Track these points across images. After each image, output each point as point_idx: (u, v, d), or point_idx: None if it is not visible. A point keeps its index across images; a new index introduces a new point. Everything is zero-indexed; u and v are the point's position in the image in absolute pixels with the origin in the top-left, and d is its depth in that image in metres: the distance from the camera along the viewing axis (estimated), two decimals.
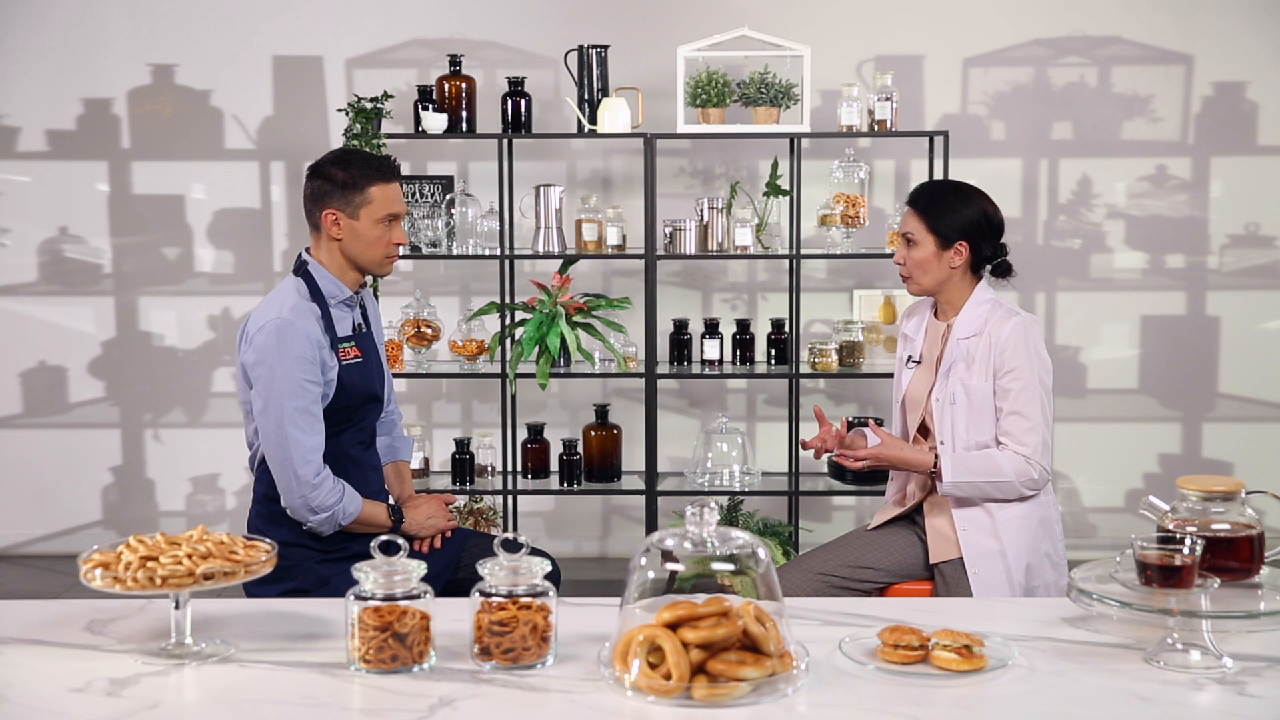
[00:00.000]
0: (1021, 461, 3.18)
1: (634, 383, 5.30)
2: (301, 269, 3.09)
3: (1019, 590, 3.18)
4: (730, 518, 4.90)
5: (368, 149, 4.64)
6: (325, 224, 3.05)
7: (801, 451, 5.09)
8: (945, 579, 3.23)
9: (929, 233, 3.24)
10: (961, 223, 3.23)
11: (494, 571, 2.15)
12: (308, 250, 3.14)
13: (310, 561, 3.08)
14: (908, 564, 3.29)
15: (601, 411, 4.87)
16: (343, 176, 3.04)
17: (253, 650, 2.24)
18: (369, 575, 2.13)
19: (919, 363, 3.36)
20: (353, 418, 3.11)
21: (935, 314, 3.37)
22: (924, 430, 3.33)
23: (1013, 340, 3.19)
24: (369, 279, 3.32)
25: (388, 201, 3.06)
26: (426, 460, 4.93)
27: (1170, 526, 2.30)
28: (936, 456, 3.22)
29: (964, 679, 2.10)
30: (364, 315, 3.21)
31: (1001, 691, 2.06)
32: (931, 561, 3.26)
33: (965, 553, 3.21)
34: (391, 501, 3.31)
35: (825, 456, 3.65)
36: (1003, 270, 3.34)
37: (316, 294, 3.05)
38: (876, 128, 4.78)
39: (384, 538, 2.20)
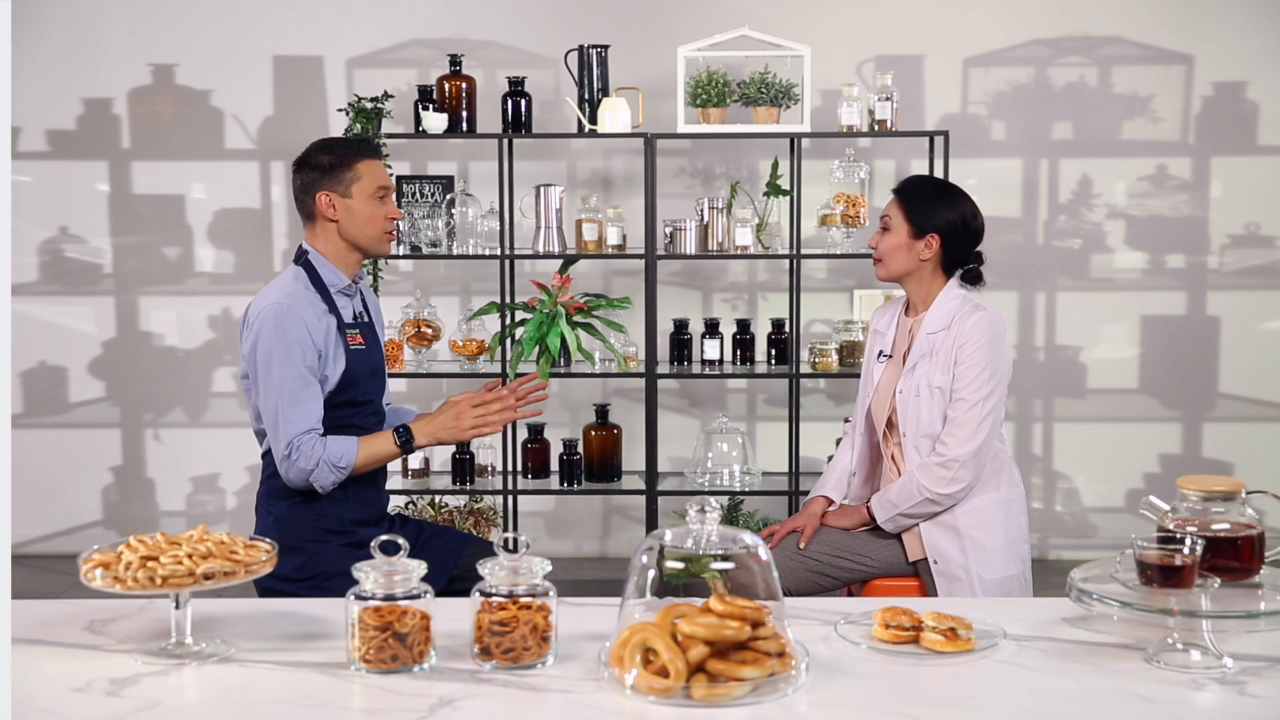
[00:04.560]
0: (935, 469, 3.19)
1: (634, 383, 5.30)
2: (302, 258, 3.13)
3: (978, 582, 3.20)
4: (730, 517, 4.90)
5: None
6: (320, 207, 3.09)
7: (800, 455, 5.10)
8: (924, 574, 3.28)
9: (904, 220, 3.28)
10: (937, 218, 3.26)
11: (494, 571, 2.15)
12: (306, 242, 3.18)
13: (306, 525, 3.09)
14: (887, 559, 3.31)
15: (602, 411, 4.87)
16: (329, 160, 3.11)
17: (253, 650, 2.24)
18: (369, 575, 2.13)
19: (890, 357, 3.38)
20: (359, 399, 3.14)
21: (905, 311, 3.40)
22: (890, 425, 3.35)
23: (972, 334, 3.20)
24: (364, 268, 3.34)
25: (376, 176, 3.13)
26: (426, 460, 4.93)
27: (1170, 526, 2.30)
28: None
29: (958, 670, 2.10)
30: (364, 306, 3.24)
31: (1000, 691, 2.06)
32: (910, 559, 3.29)
33: (928, 546, 3.25)
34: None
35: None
36: (972, 278, 3.35)
37: (318, 283, 3.09)
38: (877, 128, 4.78)
39: (384, 538, 2.20)
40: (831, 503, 3.45)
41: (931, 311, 3.29)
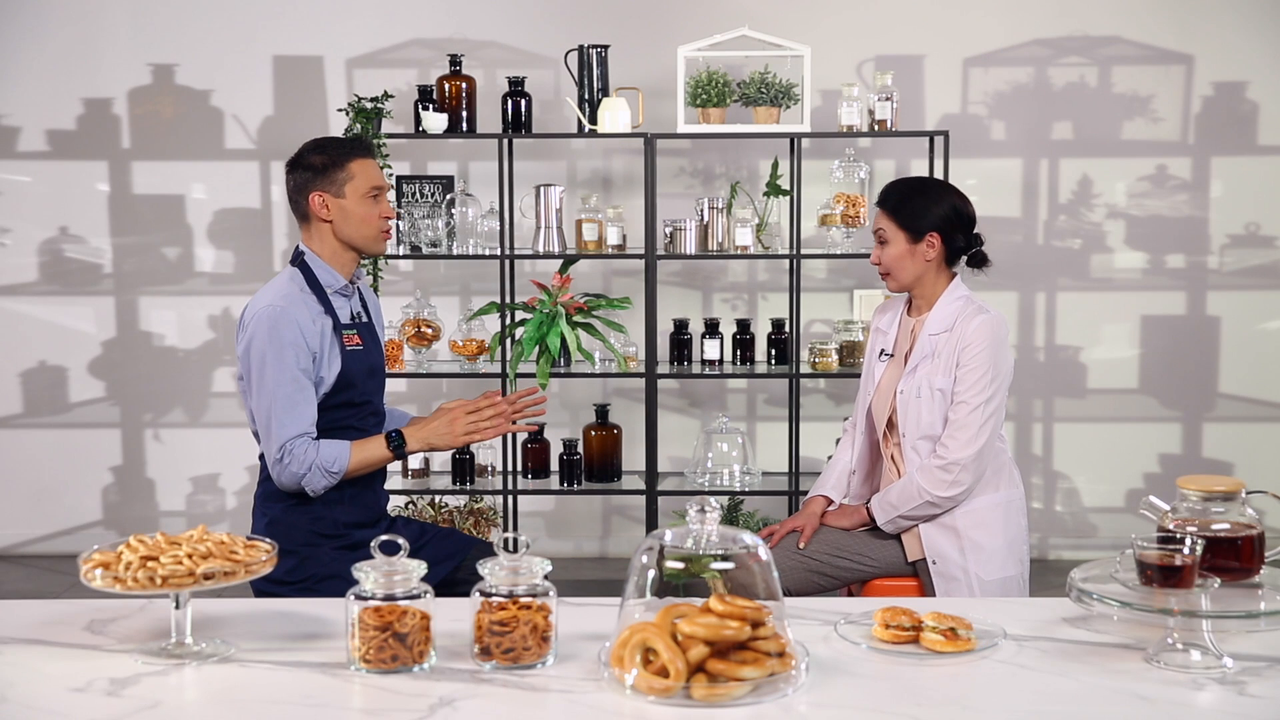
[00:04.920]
0: (935, 472, 3.19)
1: (634, 383, 5.30)
2: (298, 259, 3.13)
3: (976, 583, 3.20)
4: (730, 518, 4.90)
5: None
6: (314, 208, 3.09)
7: (800, 455, 5.10)
8: (923, 575, 3.29)
9: (899, 229, 3.26)
10: (930, 217, 3.25)
11: (494, 571, 2.15)
12: (302, 243, 3.18)
13: (300, 529, 3.09)
14: (887, 559, 3.31)
15: (602, 411, 4.87)
16: (321, 160, 3.10)
17: (253, 650, 2.24)
18: (369, 575, 2.13)
19: (891, 356, 3.38)
20: (356, 399, 3.13)
21: (908, 310, 3.39)
22: (890, 425, 3.34)
23: (975, 337, 3.19)
24: (363, 268, 3.33)
25: (369, 175, 3.12)
26: (427, 460, 4.93)
27: (1170, 526, 2.30)
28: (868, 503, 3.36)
29: (958, 670, 2.10)
30: (363, 306, 3.23)
31: (1000, 691, 2.06)
32: (909, 560, 3.29)
33: (927, 546, 3.24)
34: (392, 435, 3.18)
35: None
36: (978, 261, 3.35)
37: (314, 283, 3.09)
38: (877, 128, 4.78)
39: (384, 538, 2.20)
40: (831, 502, 3.45)
41: (934, 312, 3.28)
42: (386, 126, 4.90)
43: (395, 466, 4.79)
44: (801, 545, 3.30)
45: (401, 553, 2.17)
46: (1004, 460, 3.31)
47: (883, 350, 3.41)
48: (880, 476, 3.42)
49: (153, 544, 2.23)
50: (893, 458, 3.35)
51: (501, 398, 3.17)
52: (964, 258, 3.34)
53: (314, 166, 3.10)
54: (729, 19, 5.02)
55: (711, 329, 4.86)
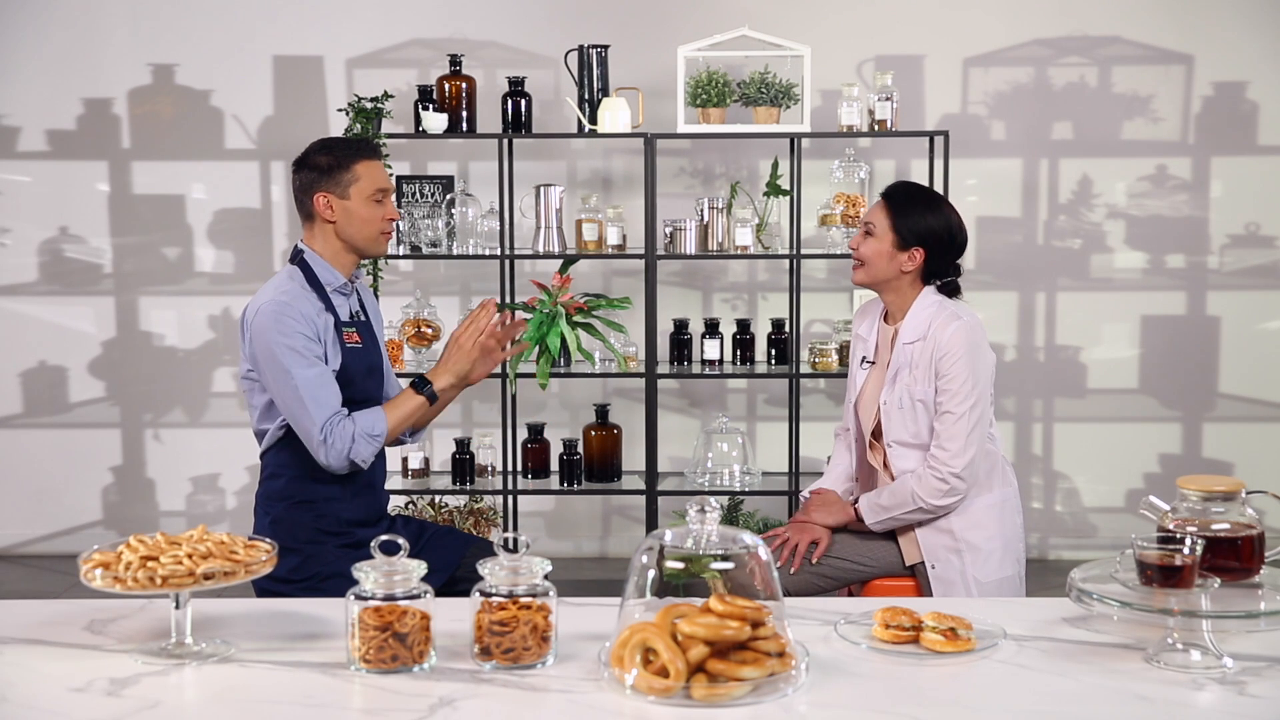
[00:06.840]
0: (932, 482, 3.18)
1: (634, 383, 5.30)
2: (297, 257, 3.13)
3: (974, 585, 3.19)
4: (730, 518, 4.90)
5: None
6: (318, 208, 3.10)
7: (800, 455, 5.10)
8: (920, 578, 3.28)
9: (890, 229, 3.25)
10: (924, 229, 3.23)
11: (494, 571, 2.15)
12: (303, 241, 3.18)
13: (303, 527, 3.09)
14: (886, 560, 3.30)
15: (602, 411, 4.87)
16: (328, 160, 3.11)
17: (253, 650, 2.24)
18: (369, 575, 2.13)
19: (873, 363, 3.37)
20: (355, 398, 3.13)
21: (885, 318, 3.38)
22: (877, 432, 3.33)
23: (952, 345, 3.17)
24: (363, 269, 3.33)
25: (375, 177, 3.13)
26: (427, 460, 4.93)
27: (1170, 526, 2.30)
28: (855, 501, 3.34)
29: (958, 670, 2.11)
30: (361, 306, 3.23)
31: (1000, 691, 2.06)
32: (907, 563, 3.29)
33: (924, 550, 3.24)
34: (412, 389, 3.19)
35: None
36: (950, 290, 3.31)
37: (313, 281, 3.09)
38: (877, 128, 4.78)
39: (384, 538, 2.20)
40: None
41: (908, 321, 3.26)
42: (386, 126, 4.90)
43: (395, 466, 4.80)
44: (814, 561, 3.27)
45: (401, 553, 2.17)
46: (996, 459, 3.30)
47: (864, 357, 3.40)
48: (876, 480, 3.41)
49: (153, 544, 2.23)
50: (883, 464, 3.34)
51: (489, 308, 3.13)
52: (937, 283, 3.30)
53: (320, 167, 3.11)
54: (729, 19, 5.01)
55: (711, 329, 4.87)
